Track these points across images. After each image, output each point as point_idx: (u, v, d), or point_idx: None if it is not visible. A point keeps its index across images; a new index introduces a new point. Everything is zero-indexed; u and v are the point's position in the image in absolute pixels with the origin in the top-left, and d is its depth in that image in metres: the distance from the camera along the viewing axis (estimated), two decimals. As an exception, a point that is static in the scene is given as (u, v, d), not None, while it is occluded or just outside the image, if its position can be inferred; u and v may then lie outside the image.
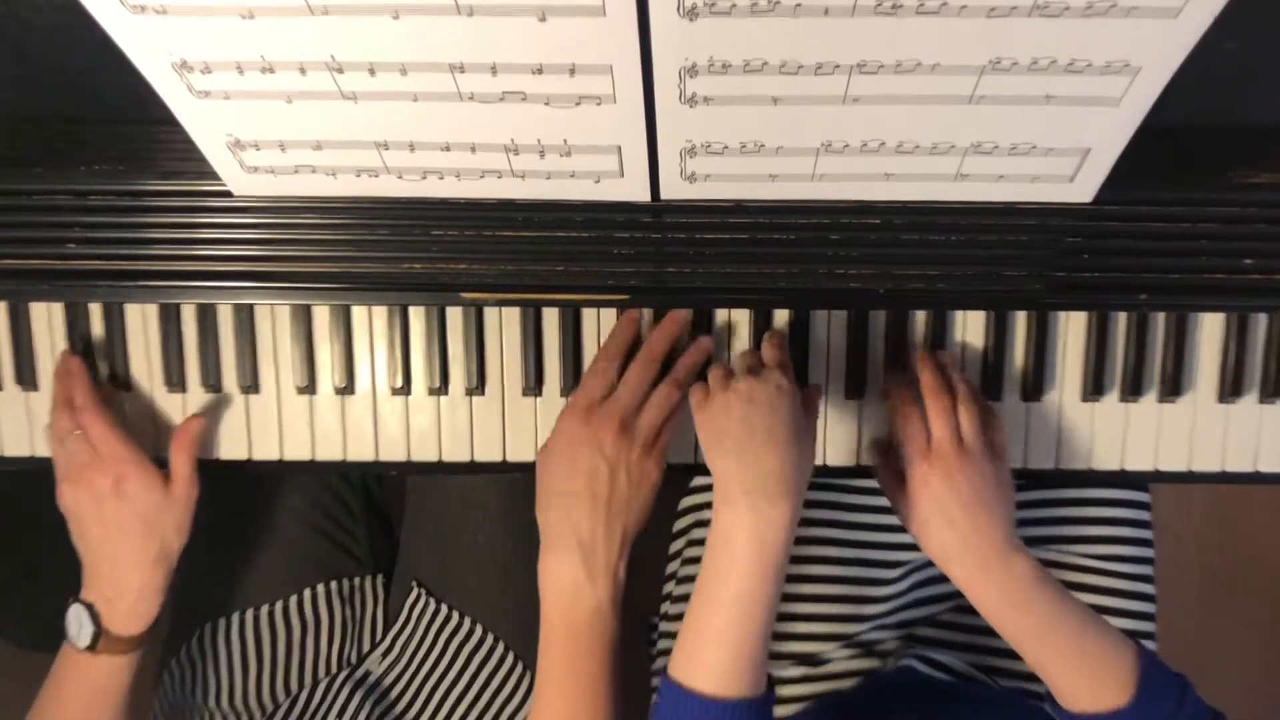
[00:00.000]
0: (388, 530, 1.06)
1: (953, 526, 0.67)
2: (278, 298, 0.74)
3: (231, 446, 0.77)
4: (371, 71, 0.58)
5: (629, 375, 0.70)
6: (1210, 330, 0.76)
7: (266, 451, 0.77)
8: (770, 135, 0.63)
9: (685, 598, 0.93)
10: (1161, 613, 0.91)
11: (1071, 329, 0.76)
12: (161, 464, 0.73)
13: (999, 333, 0.75)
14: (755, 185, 0.68)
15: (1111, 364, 0.76)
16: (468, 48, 0.56)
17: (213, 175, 0.68)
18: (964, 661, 0.89)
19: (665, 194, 0.69)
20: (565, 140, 0.63)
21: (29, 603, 1.20)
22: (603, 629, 0.68)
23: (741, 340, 0.75)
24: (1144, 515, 0.91)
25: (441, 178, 0.67)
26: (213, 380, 0.76)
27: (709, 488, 0.95)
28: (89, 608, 0.72)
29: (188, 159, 0.67)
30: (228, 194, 0.70)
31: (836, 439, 0.76)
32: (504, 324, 0.76)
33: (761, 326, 0.75)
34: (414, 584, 0.95)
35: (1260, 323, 0.75)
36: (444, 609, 0.94)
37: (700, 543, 0.94)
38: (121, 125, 0.71)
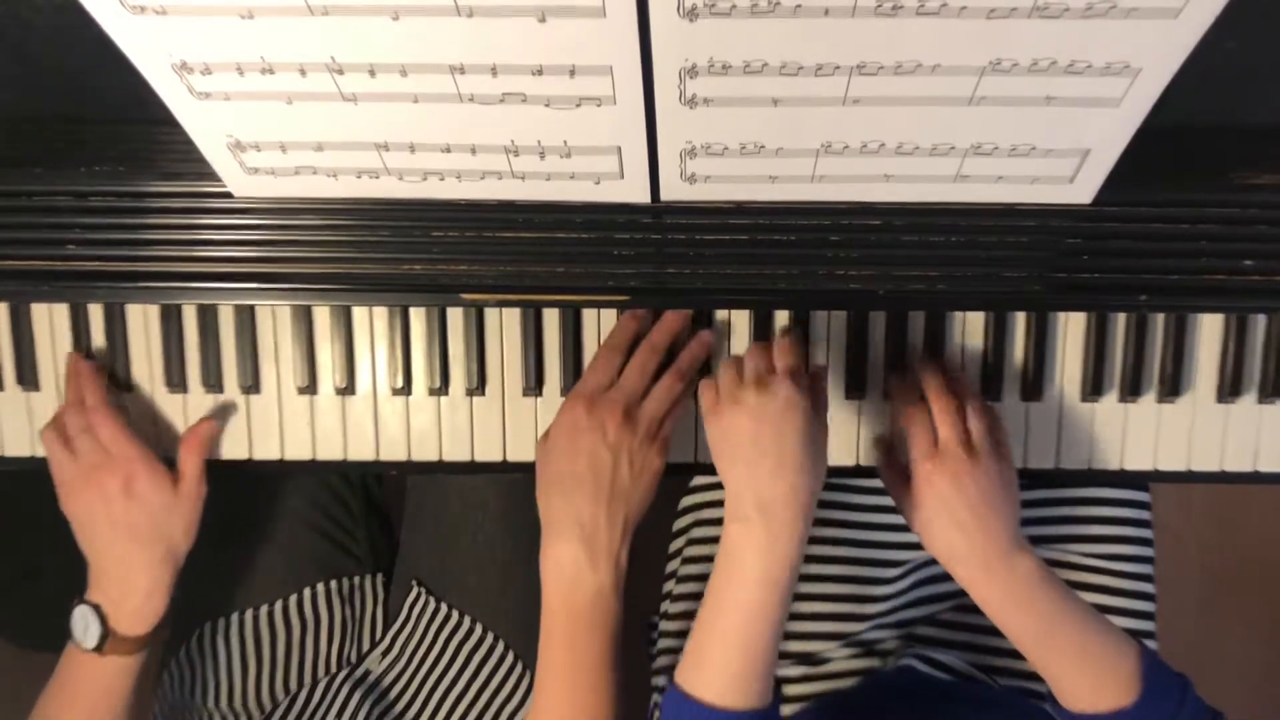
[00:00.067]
0: (387, 530, 1.06)
1: (960, 527, 0.66)
2: (278, 298, 0.74)
3: (232, 446, 0.77)
4: (372, 73, 0.58)
5: (631, 366, 0.71)
6: (1209, 331, 0.76)
7: (267, 451, 0.77)
8: (770, 136, 0.63)
9: (685, 597, 0.94)
10: (1161, 613, 0.91)
11: (1071, 329, 0.76)
12: (167, 464, 0.73)
13: (999, 333, 0.75)
14: (755, 186, 0.68)
15: (1111, 364, 0.76)
16: (468, 49, 0.56)
17: (213, 176, 0.68)
18: (964, 661, 0.89)
19: (665, 195, 0.69)
20: (565, 141, 0.63)
21: (29, 603, 1.20)
22: (605, 613, 0.68)
23: (741, 338, 0.75)
24: (1144, 515, 0.91)
25: (442, 179, 0.67)
26: (214, 380, 0.76)
27: (709, 487, 0.96)
28: (95, 609, 0.72)
29: (188, 160, 0.67)
30: (228, 195, 0.70)
31: (837, 439, 0.76)
32: (504, 325, 0.76)
33: (762, 327, 0.75)
34: (414, 583, 0.95)
35: (1259, 323, 0.75)
36: (444, 608, 0.94)
37: (700, 542, 0.94)
38: (121, 126, 0.71)
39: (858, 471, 0.77)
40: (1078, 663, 0.67)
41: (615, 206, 0.70)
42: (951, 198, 0.69)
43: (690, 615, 0.93)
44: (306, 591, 0.95)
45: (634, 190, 0.68)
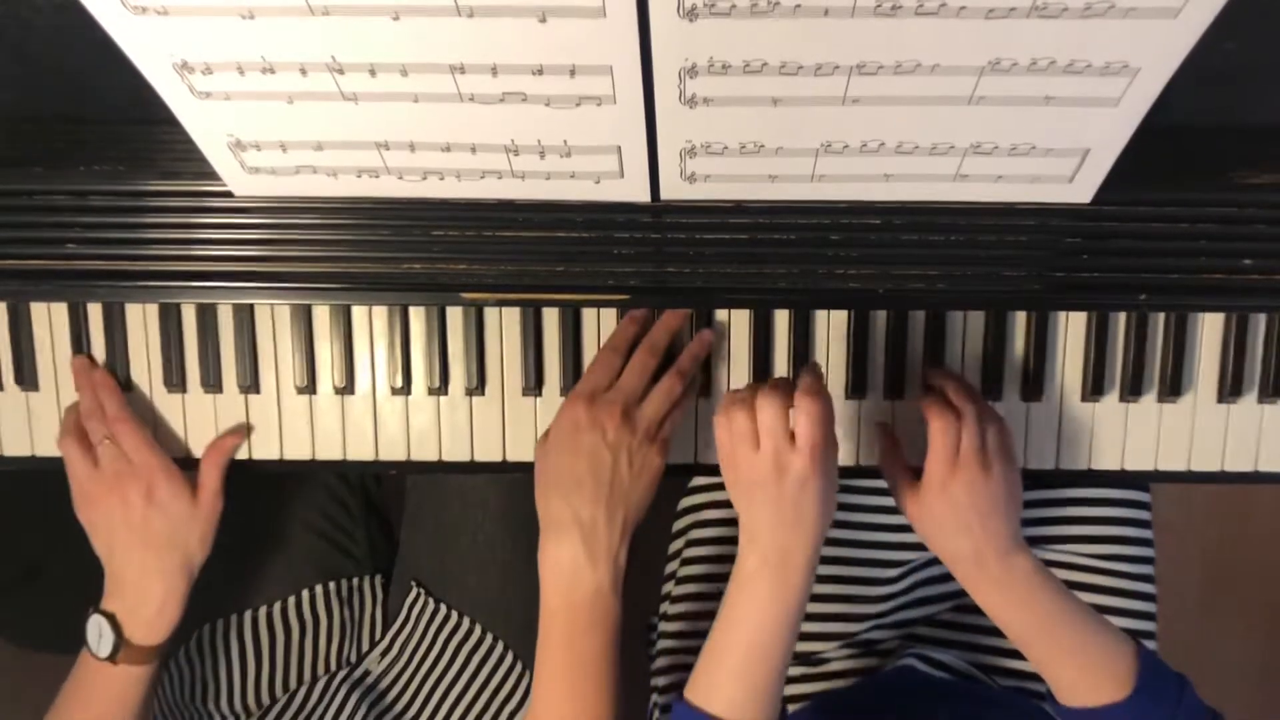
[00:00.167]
0: (386, 530, 1.06)
1: (967, 531, 0.67)
2: (278, 298, 0.74)
3: (232, 446, 0.77)
4: (372, 72, 0.58)
5: (631, 365, 0.71)
6: (1210, 330, 0.76)
7: (266, 451, 0.77)
8: (770, 136, 0.63)
9: (685, 598, 0.94)
10: (1161, 612, 0.91)
11: (1071, 329, 0.76)
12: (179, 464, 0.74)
13: (999, 333, 0.75)
14: (755, 186, 0.68)
15: (1111, 364, 0.76)
16: (468, 49, 0.56)
17: (213, 175, 0.68)
18: (964, 661, 0.89)
19: (665, 194, 0.69)
20: (565, 141, 0.63)
21: (29, 603, 1.20)
22: (604, 613, 0.68)
23: (741, 338, 0.75)
24: (1144, 515, 0.91)
25: (442, 178, 0.67)
26: (213, 380, 0.76)
27: (709, 487, 0.96)
28: (110, 618, 0.73)
29: (188, 159, 0.67)
30: (228, 194, 0.70)
31: (837, 439, 0.76)
32: (504, 324, 0.76)
33: (762, 327, 0.75)
34: (413, 584, 0.95)
35: (1260, 323, 0.75)
36: (443, 609, 0.94)
37: (700, 543, 0.94)
38: (121, 125, 0.71)
39: (858, 471, 0.77)
40: (1076, 658, 0.68)
41: (615, 206, 0.70)
42: (951, 197, 0.69)
43: (690, 616, 0.93)
44: (305, 593, 0.95)
45: (634, 189, 0.68)
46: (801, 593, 0.66)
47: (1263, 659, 1.61)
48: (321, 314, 0.75)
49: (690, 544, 0.95)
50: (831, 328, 0.76)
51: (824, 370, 0.76)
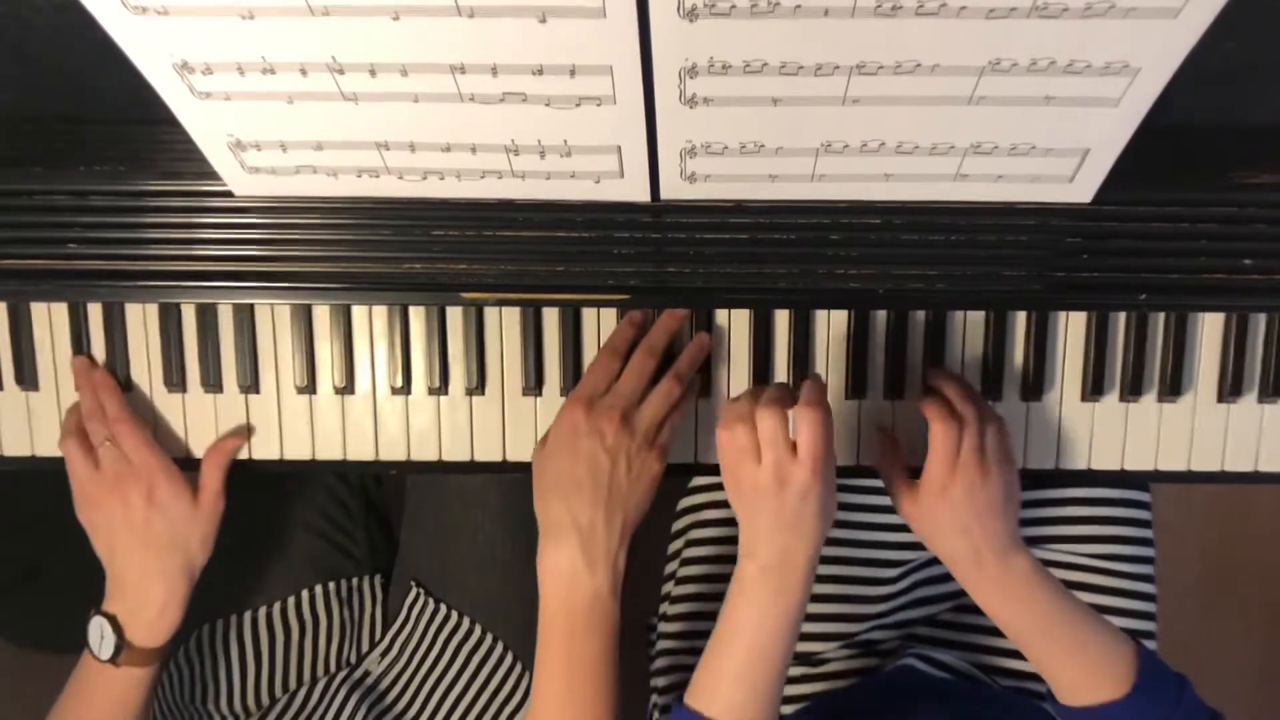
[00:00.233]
0: (386, 530, 1.06)
1: (965, 532, 0.68)
2: (278, 297, 0.74)
3: (232, 446, 0.77)
4: (372, 72, 0.58)
5: (630, 368, 0.71)
6: (1210, 330, 0.76)
7: (266, 451, 0.77)
8: (770, 136, 0.63)
9: (684, 598, 0.94)
10: (1161, 612, 0.91)
11: (1071, 329, 0.76)
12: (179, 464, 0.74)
13: (999, 333, 0.75)
14: (755, 185, 0.68)
15: (1111, 364, 0.76)
16: (468, 49, 0.56)
17: (213, 175, 0.68)
18: (964, 661, 0.89)
19: (665, 194, 0.69)
20: (565, 141, 0.63)
21: (29, 603, 1.20)
22: (602, 617, 0.69)
23: (741, 340, 0.75)
24: (1144, 515, 0.91)
25: (442, 178, 0.67)
26: (213, 380, 0.76)
27: (708, 488, 0.96)
28: (111, 620, 0.73)
29: (188, 159, 0.67)
30: (228, 194, 0.70)
31: (837, 439, 0.76)
32: (504, 324, 0.76)
33: (762, 327, 0.75)
34: (413, 584, 0.95)
35: (1260, 323, 0.75)
36: (443, 609, 0.94)
37: (699, 543, 0.94)
38: (121, 125, 0.71)
39: (857, 471, 0.77)
40: (1075, 657, 0.68)
41: (615, 205, 0.70)
42: (951, 197, 0.69)
43: (689, 616, 0.93)
44: (305, 593, 0.95)
45: (634, 189, 0.68)
46: (800, 598, 0.66)
47: (1263, 659, 1.61)
48: (321, 314, 0.75)
49: (690, 544, 0.95)
50: (831, 328, 0.76)
51: (824, 371, 0.76)
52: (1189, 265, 0.72)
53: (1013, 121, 0.61)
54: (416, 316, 0.75)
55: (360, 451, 0.77)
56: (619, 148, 0.64)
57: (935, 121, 0.61)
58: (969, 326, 0.76)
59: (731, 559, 0.71)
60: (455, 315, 0.75)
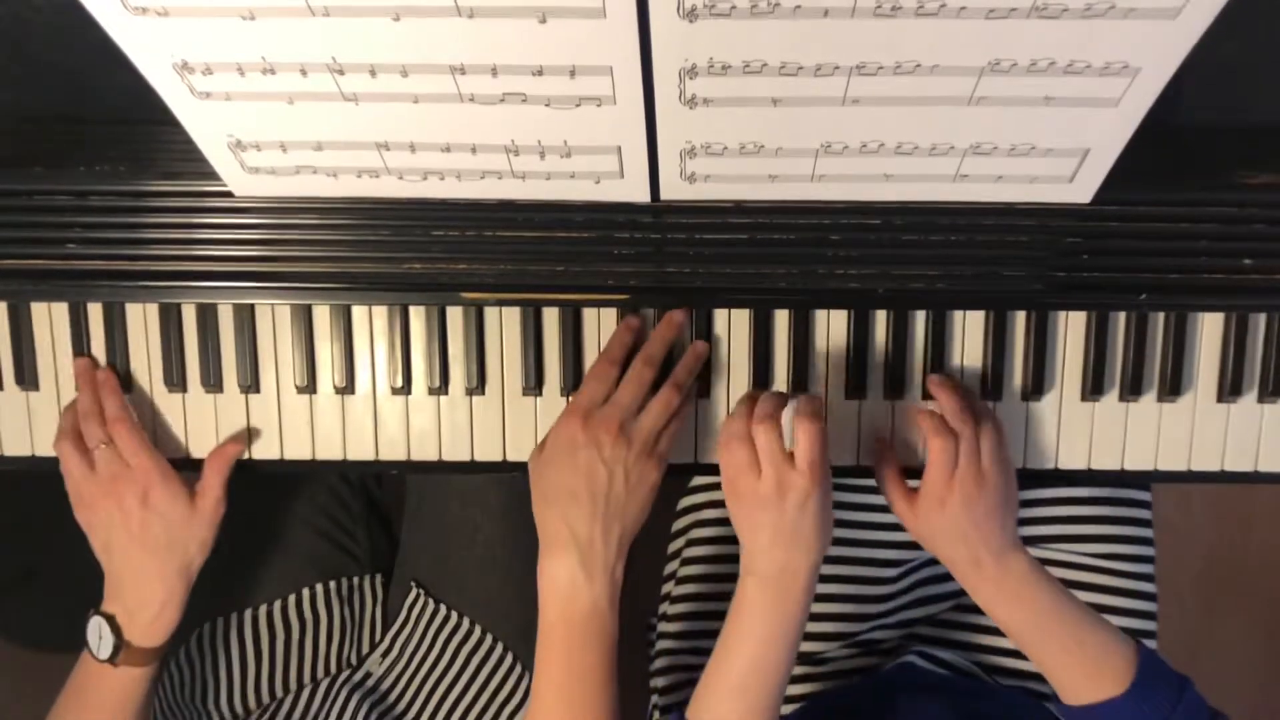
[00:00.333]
0: (387, 530, 1.06)
1: (964, 539, 0.69)
2: (278, 297, 0.74)
3: (232, 446, 0.77)
4: (372, 73, 0.58)
5: (628, 378, 0.71)
6: (1210, 330, 0.76)
7: (267, 451, 0.77)
8: (770, 136, 0.63)
9: (684, 598, 0.94)
10: (1161, 612, 0.91)
11: (1071, 329, 0.76)
12: (176, 464, 0.74)
13: (999, 333, 0.75)
14: (755, 186, 0.68)
15: (1111, 364, 0.76)
16: (468, 49, 0.56)
17: (213, 175, 0.68)
18: (965, 660, 0.89)
19: (665, 194, 0.69)
20: (565, 141, 0.63)
21: (29, 603, 1.20)
22: (600, 627, 0.69)
23: (741, 341, 0.75)
24: (1144, 514, 0.91)
25: (442, 178, 0.67)
26: (213, 380, 0.76)
27: (709, 487, 0.96)
28: (110, 620, 0.73)
29: (188, 159, 0.67)
30: (228, 194, 0.70)
31: (837, 439, 0.76)
32: (504, 324, 0.76)
33: (761, 327, 0.75)
34: (413, 584, 0.95)
35: (1260, 323, 0.75)
36: (443, 609, 0.94)
37: (699, 542, 0.94)
38: (122, 125, 0.71)
39: (857, 471, 0.77)
40: (1074, 655, 0.69)
41: (615, 206, 0.70)
42: (951, 197, 0.69)
43: (690, 616, 0.93)
44: (306, 592, 0.95)
45: (634, 190, 0.68)
46: (800, 612, 0.68)
47: (1263, 659, 1.61)
48: (322, 314, 0.75)
49: (690, 543, 0.95)
50: (831, 328, 0.76)
51: (824, 370, 0.76)
52: (1189, 265, 0.72)
53: (1012, 122, 0.61)
54: (417, 316, 0.75)
55: (360, 452, 0.77)
56: (619, 148, 0.64)
57: (935, 122, 0.61)
58: (969, 326, 0.76)
59: (732, 558, 0.71)
60: (455, 315, 0.75)
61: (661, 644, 0.96)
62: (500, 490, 0.92)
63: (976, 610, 0.72)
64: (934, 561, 0.91)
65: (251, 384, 0.76)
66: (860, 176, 0.67)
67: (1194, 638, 1.59)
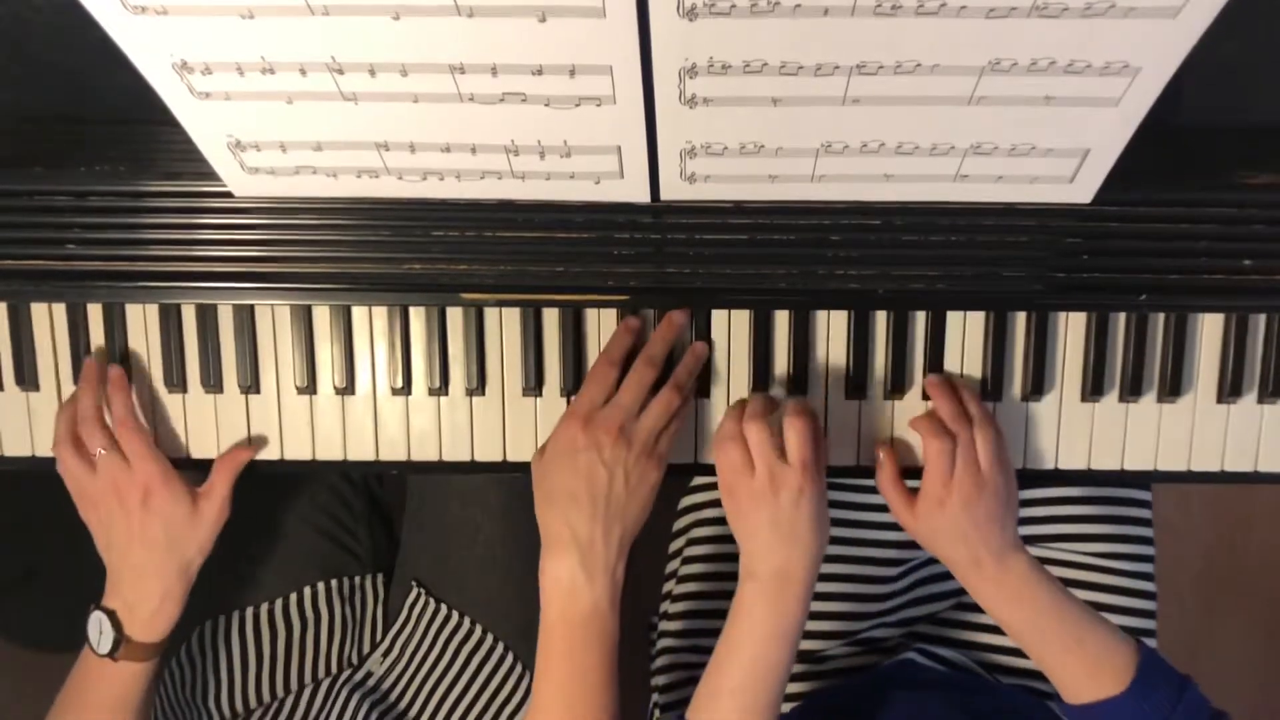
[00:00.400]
0: (389, 529, 1.06)
1: (964, 540, 0.70)
2: (278, 298, 0.74)
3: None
4: (372, 72, 0.58)
5: (629, 379, 0.71)
6: (1210, 330, 0.76)
7: (267, 452, 0.77)
8: (770, 136, 0.63)
9: (685, 597, 0.94)
10: (1161, 612, 0.91)
11: (1071, 329, 0.76)
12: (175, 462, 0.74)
13: (999, 333, 0.75)
14: (755, 186, 0.68)
15: (1111, 364, 0.76)
16: (468, 49, 0.56)
17: (213, 176, 0.68)
18: (966, 658, 0.89)
19: (665, 195, 0.69)
20: (565, 141, 0.63)
21: (29, 603, 1.20)
22: (600, 628, 0.69)
23: (741, 342, 0.75)
24: (1144, 514, 0.91)
25: (442, 178, 0.67)
26: (213, 380, 0.76)
27: (709, 486, 0.96)
28: (110, 615, 0.73)
29: (188, 159, 0.67)
30: (228, 195, 0.70)
31: (837, 439, 0.76)
32: (504, 324, 0.76)
33: (761, 327, 0.75)
34: (414, 584, 0.95)
35: (1260, 323, 0.75)
36: (443, 609, 0.94)
37: (700, 541, 0.94)
38: (121, 125, 0.71)
39: (858, 471, 0.77)
40: (1075, 654, 0.69)
41: (615, 206, 0.70)
42: (951, 197, 0.69)
43: (691, 615, 0.93)
44: (307, 590, 0.95)
45: (634, 190, 0.68)
46: (798, 614, 0.69)
47: (1263, 659, 1.61)
48: (322, 314, 0.75)
49: (691, 542, 0.95)
50: (831, 328, 0.76)
51: (824, 371, 0.76)
52: (1189, 265, 0.72)
53: (1013, 122, 0.61)
54: (417, 317, 0.75)
55: (360, 452, 0.77)
56: (619, 148, 0.64)
57: (935, 122, 0.61)
58: (969, 327, 0.76)
59: (733, 557, 0.71)
60: (455, 316, 0.75)
61: (662, 643, 0.96)
62: (500, 490, 0.92)
63: (977, 609, 0.73)
64: (935, 560, 0.91)
65: (252, 384, 0.76)
66: (860, 176, 0.67)
67: (1194, 638, 1.59)
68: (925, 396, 0.75)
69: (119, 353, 0.76)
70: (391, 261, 0.72)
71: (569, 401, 0.76)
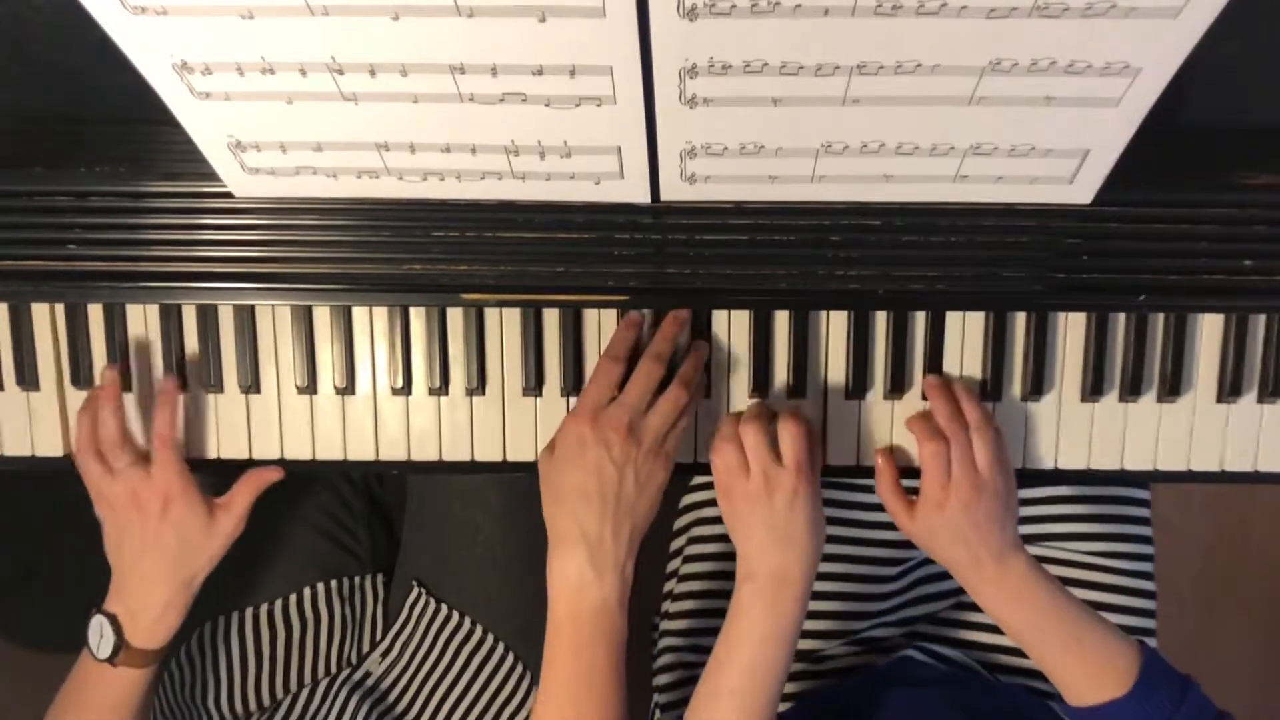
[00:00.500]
0: (389, 529, 1.06)
1: (964, 542, 0.70)
2: (278, 298, 0.74)
3: (232, 446, 0.77)
4: (372, 73, 0.58)
5: (636, 377, 0.71)
6: (1210, 331, 0.76)
7: (267, 451, 0.77)
8: (770, 136, 0.63)
9: (686, 596, 0.94)
10: (1161, 612, 0.91)
11: (1071, 329, 0.76)
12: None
13: (999, 333, 0.75)
14: (755, 186, 0.68)
15: (1111, 364, 0.76)
16: (468, 49, 0.56)
17: (213, 176, 0.68)
18: (966, 657, 0.89)
19: (665, 195, 0.69)
20: (565, 141, 0.63)
21: (29, 603, 1.20)
22: (609, 625, 0.69)
23: (741, 342, 0.75)
24: (1144, 513, 0.91)
25: (442, 179, 0.67)
26: (213, 380, 0.76)
27: (710, 486, 0.96)
28: (112, 619, 0.74)
29: (188, 160, 0.67)
30: (228, 195, 0.70)
31: (837, 439, 0.76)
32: (504, 325, 0.76)
33: (762, 328, 0.75)
34: (414, 584, 0.95)
35: (1259, 323, 0.75)
36: (444, 609, 0.94)
37: (702, 540, 0.94)
38: (121, 125, 0.71)
39: (857, 471, 0.77)
40: (1076, 655, 0.69)
41: (615, 206, 0.70)
42: (951, 198, 0.69)
43: (692, 614, 0.93)
44: (307, 590, 0.95)
45: (634, 190, 0.68)
46: (796, 616, 0.69)
47: (1263, 659, 1.61)
48: (322, 314, 0.75)
49: (692, 541, 0.95)
50: (831, 329, 0.76)
51: (824, 371, 0.76)
52: (1189, 266, 0.72)
53: (1013, 122, 0.61)
54: (417, 317, 0.75)
55: (361, 452, 0.77)
56: (619, 148, 0.64)
57: (935, 122, 0.61)
58: (969, 327, 0.76)
59: (734, 557, 0.71)
60: (455, 316, 0.75)
61: (665, 642, 0.96)
62: (501, 490, 0.92)
63: (977, 608, 0.73)
64: (933, 560, 0.91)
65: (252, 384, 0.76)
66: (860, 177, 0.67)
67: (1194, 638, 1.59)
68: (925, 397, 0.75)
69: (119, 353, 0.76)
70: (392, 262, 0.72)
71: (569, 402, 0.76)
